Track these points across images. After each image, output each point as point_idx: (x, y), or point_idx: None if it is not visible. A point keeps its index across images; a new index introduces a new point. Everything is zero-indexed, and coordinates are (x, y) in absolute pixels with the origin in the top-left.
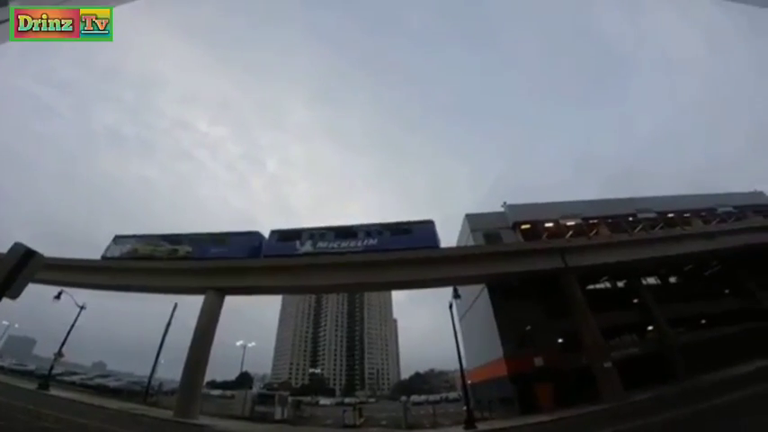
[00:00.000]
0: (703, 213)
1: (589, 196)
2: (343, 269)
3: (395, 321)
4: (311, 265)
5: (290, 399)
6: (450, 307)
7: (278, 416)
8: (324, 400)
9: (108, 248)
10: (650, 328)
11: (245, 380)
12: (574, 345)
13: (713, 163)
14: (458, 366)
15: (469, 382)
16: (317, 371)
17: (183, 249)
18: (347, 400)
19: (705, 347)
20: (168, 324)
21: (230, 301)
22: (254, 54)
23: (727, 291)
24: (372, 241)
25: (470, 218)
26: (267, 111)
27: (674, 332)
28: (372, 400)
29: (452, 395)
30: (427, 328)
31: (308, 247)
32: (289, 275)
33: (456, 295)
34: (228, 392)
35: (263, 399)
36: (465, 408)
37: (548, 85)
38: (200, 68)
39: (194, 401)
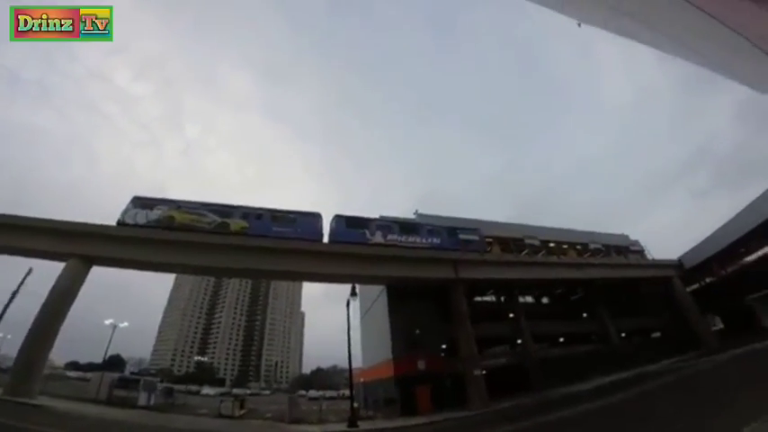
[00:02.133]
0: (578, 247)
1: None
2: (220, 251)
3: (302, 314)
4: (187, 243)
5: (160, 385)
6: (348, 305)
7: (142, 402)
8: (208, 390)
9: (126, 212)
10: (519, 341)
11: (115, 363)
12: (455, 351)
13: (605, 202)
14: (360, 364)
15: (362, 380)
16: (204, 359)
17: (237, 224)
18: (236, 391)
19: (560, 363)
20: (14, 294)
21: (115, 276)
22: (203, 10)
23: (584, 315)
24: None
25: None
26: (202, 75)
27: (537, 347)
28: (267, 392)
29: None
30: (338, 324)
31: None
32: (164, 251)
33: (353, 293)
34: (88, 375)
35: (125, 383)
36: (351, 407)
37: (493, 108)
38: (136, 17)
39: (32, 379)
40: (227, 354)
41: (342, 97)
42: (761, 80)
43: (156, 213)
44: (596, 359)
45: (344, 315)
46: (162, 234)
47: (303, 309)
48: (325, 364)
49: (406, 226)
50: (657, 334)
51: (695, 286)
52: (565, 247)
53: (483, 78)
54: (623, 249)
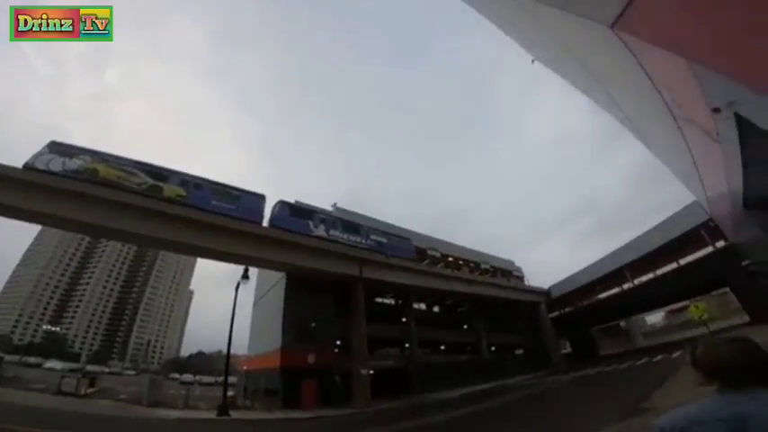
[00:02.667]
0: (471, 264)
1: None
2: (141, 216)
3: (191, 293)
4: (106, 201)
5: None
6: (237, 287)
7: None
8: (53, 364)
9: (38, 156)
10: (407, 345)
11: None
12: (348, 348)
13: (505, 228)
14: (246, 352)
15: (245, 368)
16: (57, 329)
17: (173, 190)
18: (90, 368)
19: (440, 369)
20: None
21: None
22: None
23: (465, 326)
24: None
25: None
26: (143, 16)
27: (422, 352)
28: (131, 372)
29: (231, 379)
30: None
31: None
32: (76, 206)
33: (245, 275)
34: None
35: None
36: (224, 394)
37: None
38: None
39: None
40: (90, 326)
41: (297, 82)
42: (669, 140)
43: (75, 163)
44: (469, 368)
45: (240, 298)
46: (80, 186)
47: (193, 287)
48: (209, 349)
49: (349, 225)
50: (520, 351)
51: (556, 313)
52: (461, 263)
53: (433, 96)
54: (507, 273)
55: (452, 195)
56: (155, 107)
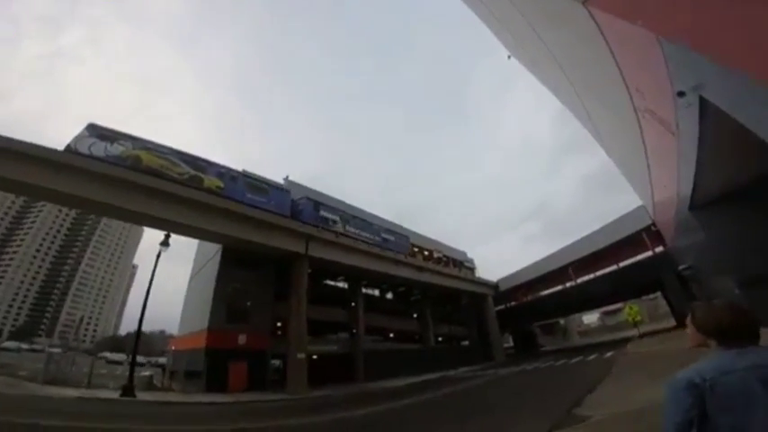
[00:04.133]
0: (426, 252)
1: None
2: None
3: (134, 267)
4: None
5: None
6: (158, 257)
7: None
8: None
9: (78, 139)
10: (355, 331)
11: None
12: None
13: (462, 222)
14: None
15: (174, 348)
16: None
17: (212, 182)
18: (7, 344)
19: (385, 357)
20: None
21: None
22: None
23: (415, 315)
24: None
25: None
26: None
27: (370, 339)
28: (57, 350)
29: (161, 360)
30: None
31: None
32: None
33: (164, 242)
34: None
35: None
36: (131, 373)
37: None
38: None
39: None
40: (15, 298)
41: (269, 67)
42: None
43: (117, 148)
44: (416, 358)
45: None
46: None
47: (138, 261)
48: (152, 328)
49: (362, 222)
50: (466, 342)
51: (501, 307)
52: (416, 249)
53: (410, 85)
54: (459, 263)
55: (417, 191)
56: (114, 72)
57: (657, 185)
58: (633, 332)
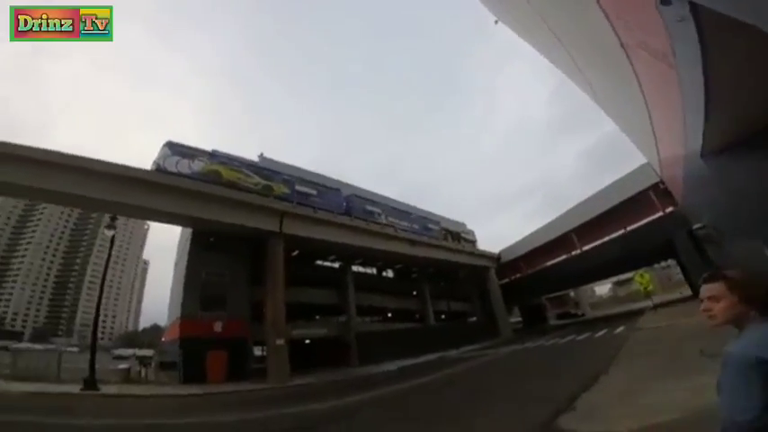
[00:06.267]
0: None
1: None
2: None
3: (145, 263)
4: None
5: None
6: (112, 241)
7: None
8: None
9: (166, 158)
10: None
11: None
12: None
13: (464, 199)
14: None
15: (162, 340)
16: None
17: (280, 188)
18: (18, 345)
19: (381, 338)
20: None
21: None
22: None
23: (414, 293)
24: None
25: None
26: None
27: (366, 320)
28: (74, 350)
29: (143, 353)
30: None
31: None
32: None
33: (111, 225)
34: None
35: None
36: (91, 365)
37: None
38: None
39: None
40: (31, 301)
41: (258, 42)
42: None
43: (198, 165)
44: (414, 337)
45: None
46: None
47: (148, 257)
48: (164, 322)
49: (400, 212)
50: (473, 319)
51: (506, 281)
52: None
53: (405, 67)
54: (457, 235)
55: (418, 172)
56: (99, 66)
57: (662, 135)
58: (646, 303)
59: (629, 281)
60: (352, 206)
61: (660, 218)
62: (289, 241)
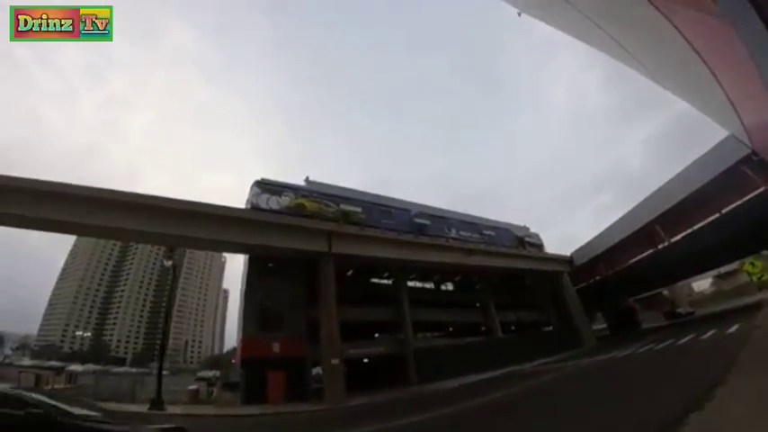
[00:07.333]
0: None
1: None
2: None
3: (225, 292)
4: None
5: None
6: (174, 270)
7: None
8: (75, 368)
9: (257, 196)
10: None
11: None
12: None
13: (527, 205)
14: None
15: (233, 361)
16: (86, 334)
17: (356, 214)
18: (117, 369)
19: (440, 355)
20: None
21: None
22: None
23: (478, 305)
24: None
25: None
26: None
27: (423, 336)
28: (166, 372)
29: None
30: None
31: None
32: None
33: (168, 255)
34: None
35: None
36: (158, 385)
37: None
38: None
39: None
40: (129, 330)
41: (307, 80)
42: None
43: (285, 200)
44: (480, 352)
45: None
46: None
47: (228, 287)
48: None
49: (465, 224)
50: (549, 328)
51: (583, 285)
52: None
53: (446, 77)
54: (520, 241)
55: (472, 179)
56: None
57: (740, 100)
58: (762, 296)
59: (734, 272)
60: (422, 224)
61: (763, 194)
62: (340, 260)
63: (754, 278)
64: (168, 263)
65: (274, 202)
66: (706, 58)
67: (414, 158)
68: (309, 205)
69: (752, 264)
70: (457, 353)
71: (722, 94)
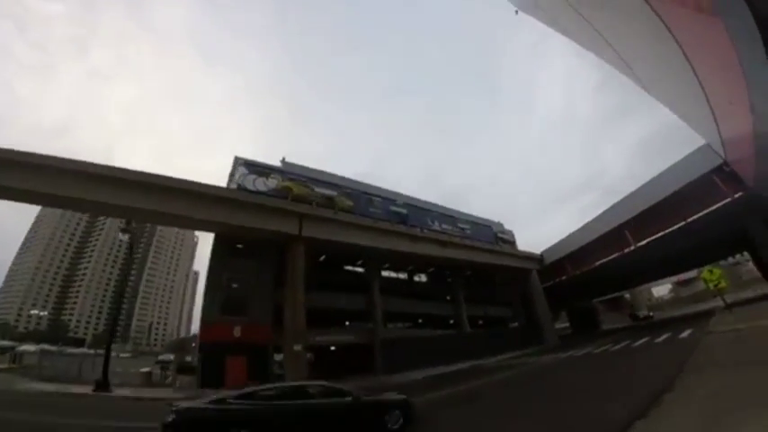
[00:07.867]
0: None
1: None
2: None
3: (195, 274)
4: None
5: None
6: (131, 249)
7: None
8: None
9: (241, 176)
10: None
11: None
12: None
13: (508, 203)
14: None
15: (194, 344)
16: (43, 313)
17: (343, 201)
18: (73, 350)
19: (409, 346)
20: None
21: None
22: None
23: (448, 298)
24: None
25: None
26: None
27: (393, 326)
28: (127, 355)
29: (165, 357)
30: None
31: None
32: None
33: (125, 229)
34: None
35: None
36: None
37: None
38: None
39: None
40: (92, 310)
41: (296, 68)
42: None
43: (272, 182)
44: (447, 345)
45: None
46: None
47: (199, 269)
48: None
49: (448, 218)
50: (515, 325)
51: (550, 283)
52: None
53: (441, 73)
54: (496, 237)
55: (457, 175)
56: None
57: (720, 107)
58: (716, 303)
59: (692, 280)
60: (408, 214)
61: (728, 204)
62: (311, 245)
63: (711, 285)
64: (124, 237)
65: (261, 184)
66: (693, 61)
67: (401, 152)
68: (296, 189)
69: (710, 271)
70: (424, 345)
71: (704, 101)
